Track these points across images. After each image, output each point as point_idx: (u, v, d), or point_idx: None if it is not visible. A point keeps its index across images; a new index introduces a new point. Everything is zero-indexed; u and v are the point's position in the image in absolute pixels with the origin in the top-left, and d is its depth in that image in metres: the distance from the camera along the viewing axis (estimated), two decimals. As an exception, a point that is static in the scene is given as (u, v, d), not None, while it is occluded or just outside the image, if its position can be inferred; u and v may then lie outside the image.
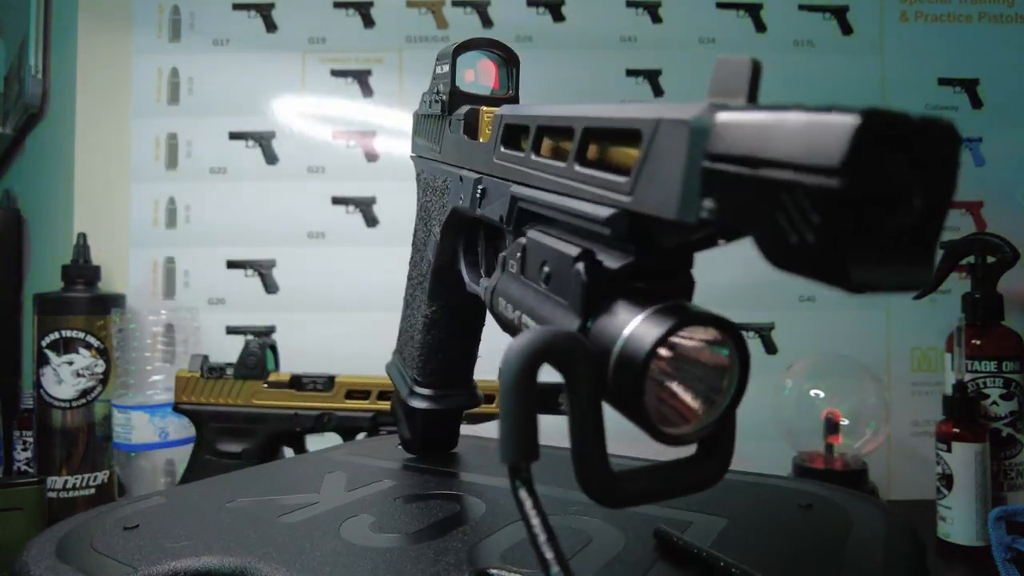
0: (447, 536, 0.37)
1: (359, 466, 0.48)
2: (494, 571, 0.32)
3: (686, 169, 0.21)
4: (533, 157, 0.31)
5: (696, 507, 0.40)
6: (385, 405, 0.73)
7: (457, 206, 0.41)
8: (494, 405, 0.73)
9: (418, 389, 0.49)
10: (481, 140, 0.39)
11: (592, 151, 0.27)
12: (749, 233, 0.19)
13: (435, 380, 0.49)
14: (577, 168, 0.27)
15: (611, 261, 0.25)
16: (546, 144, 0.31)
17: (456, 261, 0.44)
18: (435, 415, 0.49)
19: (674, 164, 0.21)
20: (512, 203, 0.33)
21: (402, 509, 0.40)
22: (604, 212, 0.25)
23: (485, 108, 0.40)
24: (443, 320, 0.47)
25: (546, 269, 0.28)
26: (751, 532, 0.38)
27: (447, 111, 0.43)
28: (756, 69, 0.21)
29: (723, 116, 0.20)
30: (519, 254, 0.30)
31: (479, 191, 0.37)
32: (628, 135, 0.24)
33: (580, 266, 0.25)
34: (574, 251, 0.26)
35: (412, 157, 0.52)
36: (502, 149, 0.35)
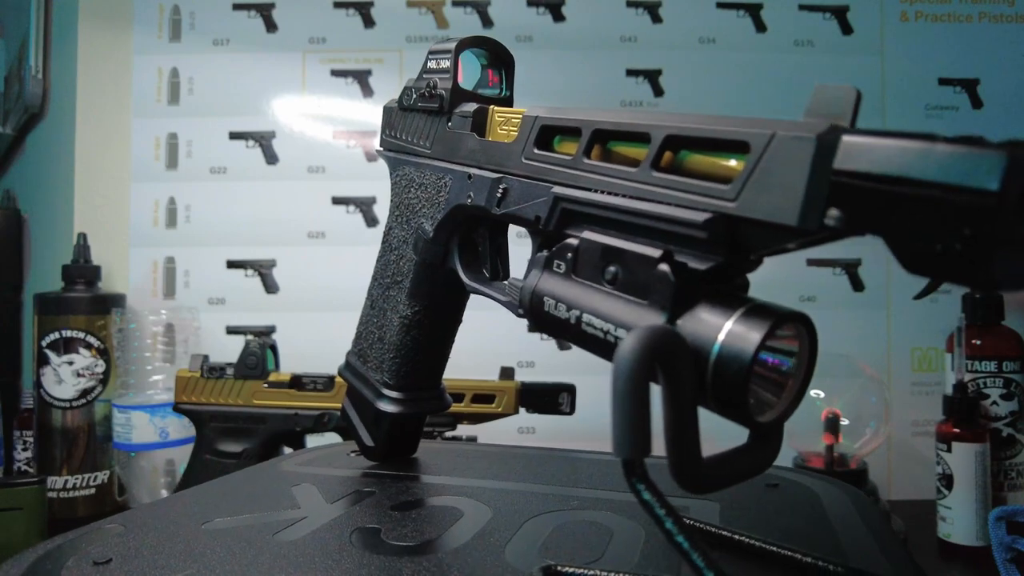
0: (474, 539, 0.36)
1: (324, 477, 0.46)
2: (567, 569, 0.30)
3: (809, 181, 0.23)
4: (585, 160, 0.32)
5: (681, 492, 0.41)
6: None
7: (463, 204, 0.41)
8: (493, 405, 0.73)
9: (389, 392, 0.47)
10: (491, 139, 0.39)
11: (666, 158, 0.29)
12: (881, 237, 0.22)
13: (408, 383, 0.47)
14: (655, 174, 0.28)
15: (695, 262, 0.27)
16: (586, 148, 0.33)
17: (448, 260, 0.44)
18: (403, 420, 0.48)
19: (795, 176, 0.23)
20: (555, 204, 0.33)
21: (405, 518, 0.39)
22: (699, 216, 0.26)
23: (497, 108, 0.40)
24: (424, 321, 0.46)
25: (611, 269, 0.29)
26: (744, 512, 0.40)
27: (447, 107, 0.43)
28: (859, 98, 0.24)
29: (853, 139, 0.22)
30: (569, 254, 0.31)
31: (500, 190, 0.37)
32: (728, 145, 0.26)
33: (666, 267, 0.27)
34: (655, 252, 0.27)
35: (382, 153, 0.50)
36: (535, 150, 0.35)
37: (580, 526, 0.38)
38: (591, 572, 0.30)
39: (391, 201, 0.49)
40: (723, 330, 0.25)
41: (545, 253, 0.33)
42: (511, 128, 0.38)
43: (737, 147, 0.26)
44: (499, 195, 0.37)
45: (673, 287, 0.27)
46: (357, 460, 0.50)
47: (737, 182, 0.25)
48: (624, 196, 0.29)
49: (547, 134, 0.35)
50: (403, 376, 0.47)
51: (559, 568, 0.30)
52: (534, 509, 0.40)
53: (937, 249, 0.20)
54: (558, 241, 0.33)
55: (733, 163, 0.26)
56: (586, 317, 0.30)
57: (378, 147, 0.51)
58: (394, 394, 0.47)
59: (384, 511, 0.40)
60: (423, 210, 0.44)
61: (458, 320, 0.48)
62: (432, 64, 0.45)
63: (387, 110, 0.50)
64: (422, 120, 0.45)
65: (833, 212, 0.23)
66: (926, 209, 0.20)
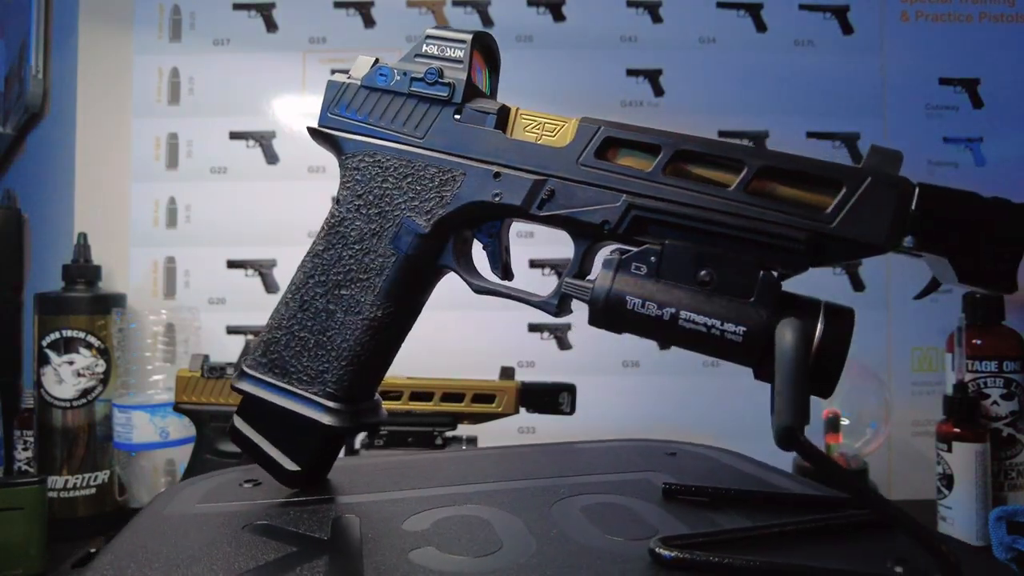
0: (538, 536, 0.35)
1: (269, 511, 0.39)
2: (667, 535, 0.34)
3: (894, 215, 0.33)
4: (665, 176, 0.36)
5: (632, 468, 0.48)
6: (388, 404, 0.73)
7: (485, 201, 0.40)
8: (493, 405, 0.73)
9: (333, 404, 0.41)
10: (520, 139, 0.40)
11: (753, 184, 0.35)
12: (944, 257, 0.33)
13: (355, 393, 0.42)
14: (750, 195, 0.35)
15: (782, 269, 0.35)
16: (644, 160, 0.37)
17: (443, 257, 0.42)
18: (343, 434, 0.43)
19: (884, 210, 0.33)
20: (627, 211, 0.37)
21: (443, 533, 0.36)
22: (802, 234, 0.34)
23: (523, 110, 0.40)
24: (394, 322, 0.42)
25: (704, 273, 0.35)
26: (683, 475, 0.46)
27: (459, 99, 0.41)
28: (902, 158, 0.34)
29: (924, 188, 0.33)
30: (653, 258, 0.35)
31: (546, 192, 0.38)
32: (820, 181, 0.34)
33: (772, 273, 0.34)
34: (753, 260, 0.34)
35: (321, 131, 0.45)
36: (595, 159, 0.38)
37: (597, 508, 0.40)
38: (703, 537, 0.35)
39: (345, 189, 0.44)
40: (820, 324, 0.32)
41: (618, 256, 0.36)
42: (544, 133, 0.39)
43: (829, 184, 0.34)
44: (544, 197, 0.38)
45: (778, 289, 0.34)
46: (263, 491, 0.43)
47: (834, 210, 0.33)
48: (716, 211, 0.35)
49: (607, 145, 0.38)
50: (354, 386, 0.42)
51: (672, 537, 0.34)
52: (541, 501, 0.41)
53: (987, 266, 0.32)
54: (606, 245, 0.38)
55: (818, 196, 0.34)
56: (684, 314, 0.34)
57: (317, 124, 0.46)
58: (339, 406, 0.41)
59: (401, 530, 0.37)
60: (411, 203, 0.42)
61: (414, 321, 0.45)
62: (432, 49, 0.42)
63: (335, 85, 0.45)
64: (409, 105, 0.42)
65: (908, 238, 0.33)
66: (980, 239, 0.32)
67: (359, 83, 0.44)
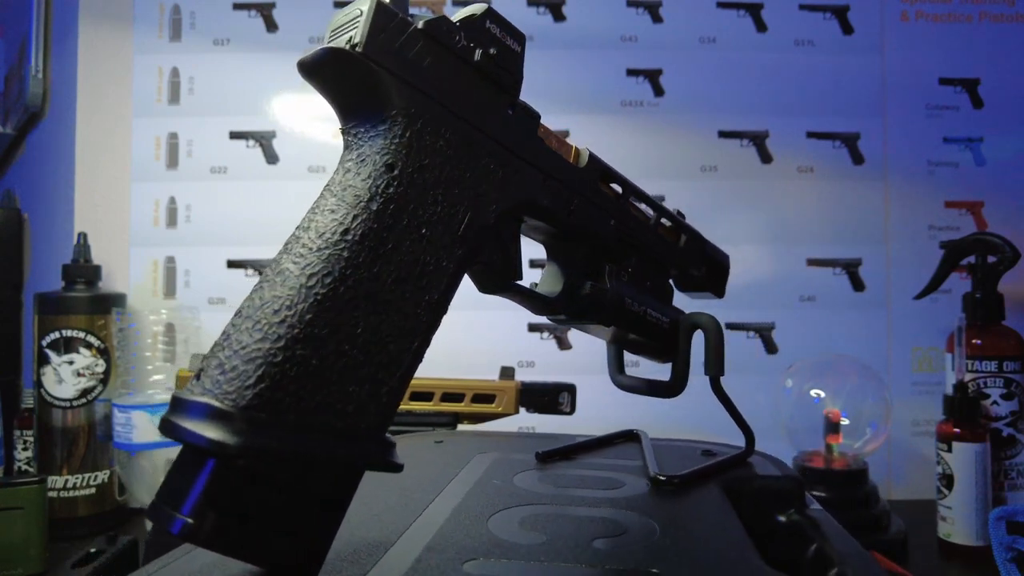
0: (616, 505, 0.40)
1: None
2: (656, 471, 0.45)
3: (704, 253, 0.52)
4: (630, 207, 0.46)
5: (456, 460, 0.52)
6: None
7: (538, 203, 0.39)
8: (493, 405, 0.73)
9: (388, 439, 0.31)
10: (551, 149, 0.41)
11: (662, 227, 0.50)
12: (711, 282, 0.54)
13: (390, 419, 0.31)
14: (658, 233, 0.49)
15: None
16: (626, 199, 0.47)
17: (483, 253, 0.37)
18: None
19: (699, 251, 0.52)
20: (617, 232, 0.44)
21: (559, 528, 0.35)
22: (676, 259, 0.50)
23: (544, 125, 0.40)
24: (437, 323, 0.34)
25: (648, 283, 0.48)
26: (518, 451, 0.52)
27: (516, 94, 0.38)
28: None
29: (707, 243, 0.53)
30: (630, 269, 0.46)
31: (574, 204, 0.41)
32: (677, 229, 0.50)
33: (673, 283, 0.51)
34: (668, 276, 0.50)
35: (375, 68, 0.31)
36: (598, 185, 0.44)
37: (564, 479, 0.45)
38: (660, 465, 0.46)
39: (403, 157, 0.32)
40: (704, 315, 0.48)
41: (608, 267, 0.45)
42: (554, 149, 0.41)
43: (679, 231, 0.51)
44: (572, 208, 0.41)
45: (672, 294, 0.51)
46: None
47: (684, 246, 0.51)
48: (651, 239, 0.47)
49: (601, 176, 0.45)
50: (393, 408, 0.31)
51: (661, 472, 0.44)
52: (522, 489, 0.42)
53: (721, 291, 0.54)
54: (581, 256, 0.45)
55: (673, 237, 0.51)
56: (650, 311, 0.47)
57: (363, 50, 0.31)
58: (389, 439, 0.31)
59: (506, 542, 0.34)
60: (474, 190, 0.35)
61: None
62: (495, 30, 0.37)
63: (389, 12, 0.32)
64: (467, 77, 0.35)
65: (703, 267, 0.52)
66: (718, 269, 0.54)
67: (413, 22, 0.34)
